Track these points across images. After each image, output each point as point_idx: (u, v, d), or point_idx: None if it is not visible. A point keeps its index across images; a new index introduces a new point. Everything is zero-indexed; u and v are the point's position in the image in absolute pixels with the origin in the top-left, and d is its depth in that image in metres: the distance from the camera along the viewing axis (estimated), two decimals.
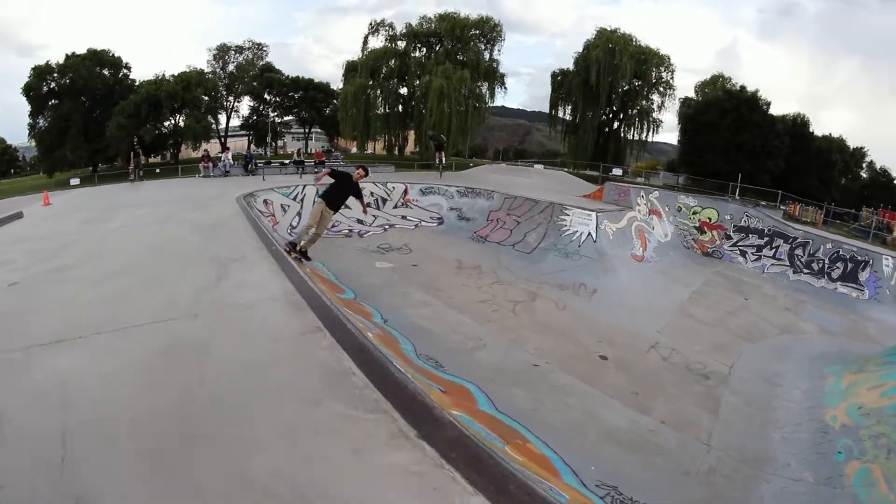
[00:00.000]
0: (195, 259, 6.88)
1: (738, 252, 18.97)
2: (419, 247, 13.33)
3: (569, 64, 44.29)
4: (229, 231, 8.81)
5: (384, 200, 16.10)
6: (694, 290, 14.11)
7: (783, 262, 18.45)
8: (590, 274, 12.29)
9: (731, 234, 19.28)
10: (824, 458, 6.36)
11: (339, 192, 8.44)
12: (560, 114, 45.81)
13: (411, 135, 43.32)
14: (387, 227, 15.31)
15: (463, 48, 39.85)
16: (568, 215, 13.86)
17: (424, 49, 40.59)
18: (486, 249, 13.75)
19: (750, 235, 19.16)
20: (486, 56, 40.69)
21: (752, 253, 18.90)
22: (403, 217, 15.90)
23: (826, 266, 17.88)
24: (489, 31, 40.66)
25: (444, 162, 25.48)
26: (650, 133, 44.73)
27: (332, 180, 8.44)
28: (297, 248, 8.32)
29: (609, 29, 42.71)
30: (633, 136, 45.45)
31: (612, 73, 40.93)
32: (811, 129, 43.27)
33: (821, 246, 18.24)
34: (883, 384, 8.20)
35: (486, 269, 11.94)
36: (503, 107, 45.45)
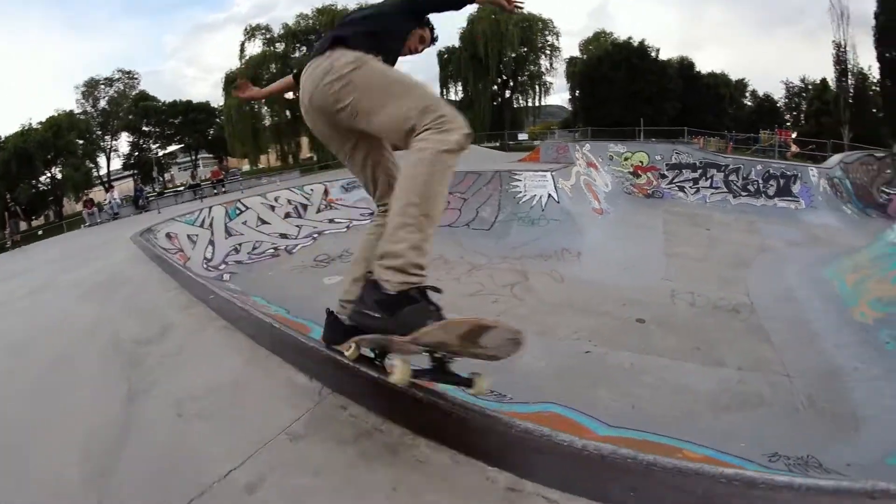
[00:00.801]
0: (85, 356, 3.62)
1: (676, 188, 19.01)
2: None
3: (453, 42, 43.79)
4: (133, 287, 5.49)
5: (305, 206, 14.24)
6: (662, 231, 13.82)
7: (721, 190, 18.77)
8: (566, 236, 11.36)
9: (665, 172, 19.30)
10: (880, 351, 6.78)
11: None
12: (451, 92, 45.17)
13: (304, 141, 40.91)
14: (315, 235, 13.47)
15: None
16: (520, 180, 12.81)
17: (305, 48, 38.11)
18: (440, 236, 11.97)
19: (683, 171, 19.27)
20: None
21: (690, 186, 19.01)
22: (331, 221, 14.10)
23: (761, 186, 18.56)
24: None
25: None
26: (542, 97, 45.64)
27: None
28: None
29: None
30: (528, 102, 46.02)
31: (500, 43, 40.86)
32: (697, 70, 45.62)
33: (751, 169, 18.89)
34: (887, 275, 8.73)
35: (452, 258, 10.44)
36: None
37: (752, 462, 4.26)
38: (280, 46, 37.80)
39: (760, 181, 18.61)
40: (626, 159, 19.61)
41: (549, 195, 12.54)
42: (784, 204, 18.13)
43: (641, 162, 19.51)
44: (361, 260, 2.20)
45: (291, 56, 37.40)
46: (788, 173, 18.65)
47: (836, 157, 21.28)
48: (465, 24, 42.62)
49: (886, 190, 20.21)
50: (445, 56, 44.28)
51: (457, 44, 43.45)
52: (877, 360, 6.59)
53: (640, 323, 7.67)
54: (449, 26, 43.75)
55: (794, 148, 33.07)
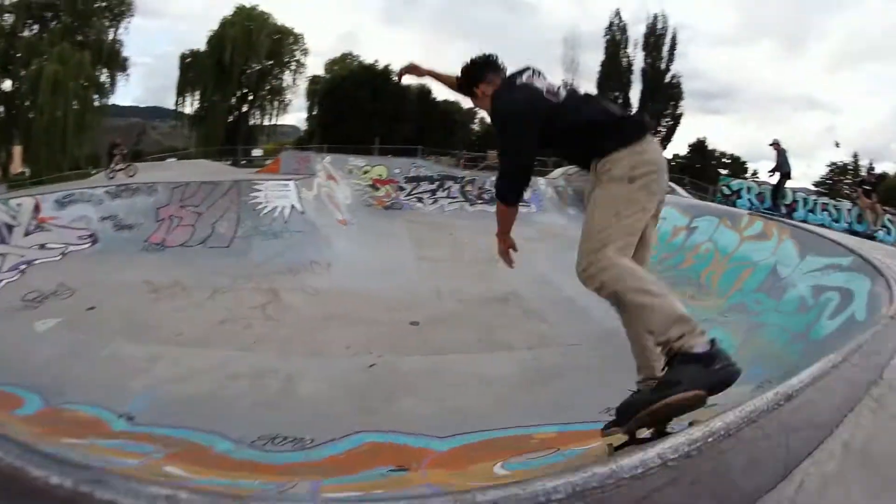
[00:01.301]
0: None
1: (415, 199, 19.47)
2: (82, 281, 8.64)
3: (199, 46, 40.20)
4: None
5: (10, 227, 10.61)
6: (408, 238, 13.91)
7: (459, 199, 19.88)
8: (313, 248, 10.42)
9: (404, 185, 19.67)
10: None
11: None
12: (188, 101, 41.27)
13: (17, 151, 32.87)
14: (23, 266, 10.02)
15: (85, 24, 31.66)
16: (261, 190, 11.41)
17: (38, 26, 30.82)
18: (173, 258, 10.13)
19: (421, 183, 19.89)
20: (111, 35, 33.61)
21: (428, 197, 19.67)
22: (42, 246, 10.71)
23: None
24: (118, 2, 33.46)
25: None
26: (279, 114, 44.62)
27: None
28: None
29: (248, 6, 40.17)
30: (265, 119, 44.53)
31: (247, 52, 38.77)
32: (434, 97, 49.32)
33: (486, 180, 20.38)
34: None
35: (190, 283, 8.64)
36: (114, 105, 38.29)
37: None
38: (9, 19, 29.87)
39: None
40: (365, 172, 19.52)
41: (293, 206, 11.49)
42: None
43: (380, 175, 19.62)
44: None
45: (19, 35, 29.63)
46: None
47: (559, 171, 24.86)
48: (216, 27, 39.48)
49: None
50: (188, 60, 40.28)
51: (203, 48, 39.94)
52: None
53: (414, 325, 7.30)
54: (200, 27, 39.74)
55: None
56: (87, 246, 10.36)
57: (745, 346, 6.13)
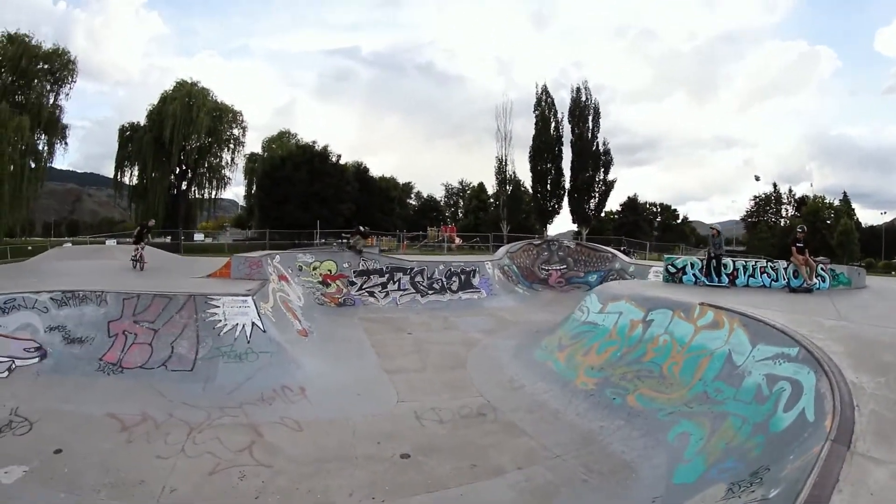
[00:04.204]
0: None
1: (366, 294, 20.08)
2: (38, 409, 8.19)
3: (135, 118, 41.01)
4: None
5: None
6: (370, 344, 14.25)
7: (410, 291, 20.73)
8: (281, 371, 10.48)
9: (354, 279, 20.27)
10: (611, 407, 9.09)
11: None
12: (127, 175, 41.26)
13: None
14: None
15: (26, 86, 31.17)
16: (218, 306, 11.39)
17: None
18: (134, 382, 9.71)
19: (371, 276, 20.59)
20: (51, 100, 32.98)
21: (380, 291, 20.33)
22: None
23: (445, 283, 21.33)
24: (61, 67, 33.19)
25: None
26: (219, 191, 44.87)
27: None
28: None
29: (189, 82, 41.05)
30: (204, 194, 44.48)
31: (187, 129, 39.00)
32: (371, 174, 50.86)
33: (434, 269, 21.51)
34: (590, 348, 11.76)
35: (160, 417, 8.42)
36: (50, 167, 37.28)
37: None
38: None
39: (444, 279, 21.44)
40: (314, 269, 19.97)
41: (254, 323, 11.45)
42: (468, 296, 21.34)
43: (330, 270, 20.14)
44: None
45: None
46: (468, 269, 22.11)
47: (502, 249, 26.32)
48: (156, 102, 39.86)
49: (545, 267, 26.24)
50: (128, 133, 40.42)
51: (143, 121, 40.33)
52: (613, 414, 8.79)
53: (405, 459, 7.53)
54: (141, 101, 39.74)
55: (457, 241, 39.06)
56: (35, 361, 10.02)
57: (713, 437, 7.04)
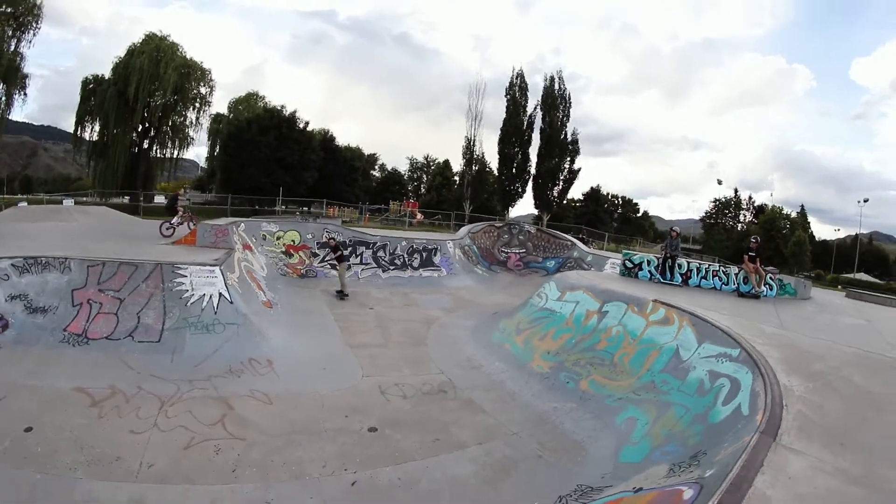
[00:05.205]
0: None
1: (328, 266, 20.29)
2: (1, 384, 8.01)
3: (99, 70, 40.02)
4: None
5: None
6: (333, 318, 14.54)
7: (371, 265, 21.14)
8: (248, 343, 10.65)
9: (317, 251, 20.52)
10: (563, 390, 9.83)
11: None
12: (87, 130, 39.40)
13: None
14: None
15: None
16: (185, 276, 11.34)
17: None
18: (100, 354, 9.54)
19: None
20: (12, 46, 31.13)
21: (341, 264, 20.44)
22: None
23: (406, 260, 21.68)
24: (25, 11, 31.26)
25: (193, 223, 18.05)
26: (182, 151, 43.50)
27: None
28: None
29: (159, 35, 39.26)
30: (166, 153, 43.34)
31: (153, 85, 37.77)
32: (337, 142, 50.20)
33: (397, 245, 21.92)
34: (546, 333, 12.43)
35: (129, 389, 8.36)
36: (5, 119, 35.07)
37: None
38: None
39: (406, 255, 21.95)
40: (278, 238, 20.07)
41: (221, 294, 11.43)
42: (428, 273, 21.94)
43: (293, 241, 20.31)
44: None
45: None
46: (430, 247, 22.65)
47: (464, 229, 26.87)
48: (123, 55, 38.16)
49: (505, 250, 27.01)
50: (91, 86, 38.39)
51: (107, 74, 38.43)
52: (566, 397, 9.51)
53: (373, 432, 7.96)
54: (106, 52, 37.80)
55: (419, 217, 39.36)
56: None
57: (657, 423, 7.75)
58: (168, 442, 7.04)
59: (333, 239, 18.95)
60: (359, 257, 21.08)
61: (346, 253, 19.90)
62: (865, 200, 60.03)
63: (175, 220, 18.08)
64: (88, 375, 8.68)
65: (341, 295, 17.18)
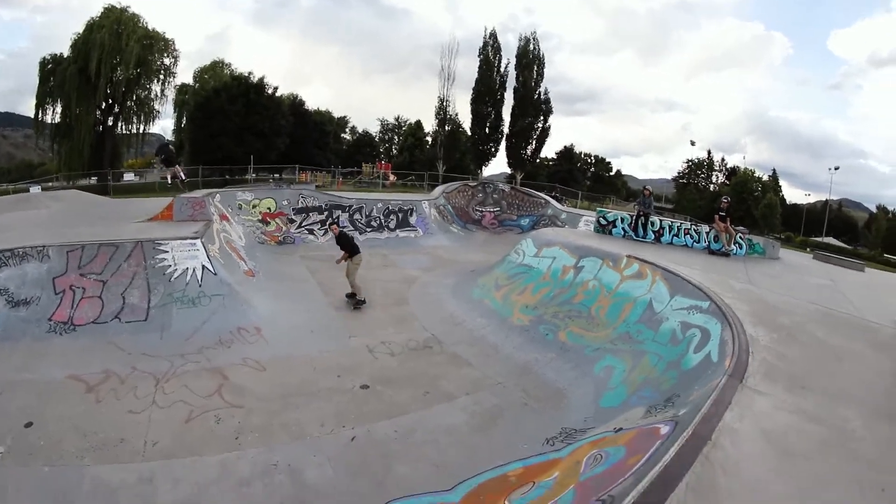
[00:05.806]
0: None
1: (306, 232, 20.50)
2: None
3: (57, 49, 38.55)
4: None
5: None
6: (315, 282, 14.79)
7: (348, 228, 21.01)
8: (235, 313, 10.79)
9: (294, 217, 20.55)
10: (543, 342, 10.38)
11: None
12: (48, 113, 38.02)
13: None
14: None
15: None
16: (167, 251, 11.33)
17: None
18: (89, 340, 9.44)
19: (311, 214, 20.94)
20: None
21: (319, 228, 20.77)
22: None
23: (383, 221, 21.99)
24: None
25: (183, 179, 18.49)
26: (147, 125, 42.06)
27: None
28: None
29: (119, 7, 37.40)
30: (132, 130, 41.90)
31: (115, 60, 36.33)
32: (306, 106, 49.25)
33: (373, 207, 22.04)
34: (525, 288, 12.92)
35: (123, 370, 8.42)
36: None
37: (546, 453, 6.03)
38: None
39: (382, 217, 22.16)
40: (254, 207, 19.99)
41: (204, 266, 11.47)
42: (405, 234, 22.32)
43: (269, 208, 20.27)
44: None
45: None
46: (405, 208, 22.90)
47: (439, 189, 27.06)
48: (81, 31, 36.44)
49: (479, 209, 27.55)
50: (50, 66, 36.87)
51: (66, 52, 36.81)
52: (546, 348, 10.07)
53: (365, 389, 8.35)
54: (63, 29, 36.04)
55: (392, 178, 39.29)
56: None
57: (633, 371, 8.28)
58: (169, 418, 7.18)
59: (336, 225, 15.03)
60: (335, 221, 21.06)
61: (354, 238, 14.53)
62: (836, 168, 62.23)
63: (181, 172, 18.63)
64: (80, 362, 8.60)
65: (355, 300, 12.98)
